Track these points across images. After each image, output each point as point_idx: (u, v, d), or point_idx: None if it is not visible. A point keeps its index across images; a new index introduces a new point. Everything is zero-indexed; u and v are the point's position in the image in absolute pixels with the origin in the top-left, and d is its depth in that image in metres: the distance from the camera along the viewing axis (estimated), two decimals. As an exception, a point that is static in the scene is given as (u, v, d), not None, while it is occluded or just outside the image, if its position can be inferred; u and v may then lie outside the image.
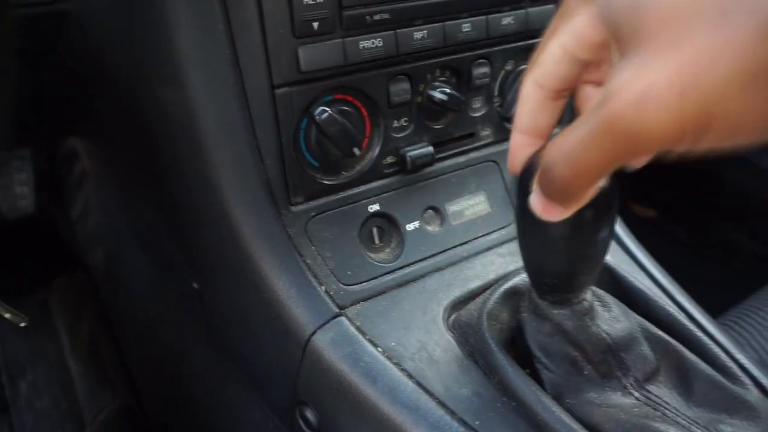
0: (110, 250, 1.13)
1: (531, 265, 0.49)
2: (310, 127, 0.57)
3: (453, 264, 0.64)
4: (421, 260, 0.63)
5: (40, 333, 1.25)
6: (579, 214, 0.42)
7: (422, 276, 0.63)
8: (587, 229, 0.43)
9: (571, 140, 0.33)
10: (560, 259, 0.45)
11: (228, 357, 0.75)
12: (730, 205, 1.48)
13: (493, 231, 0.68)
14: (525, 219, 0.46)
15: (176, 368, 0.91)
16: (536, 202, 0.39)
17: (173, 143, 0.57)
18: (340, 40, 0.54)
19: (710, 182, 1.50)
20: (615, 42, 0.32)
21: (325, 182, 0.60)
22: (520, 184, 0.44)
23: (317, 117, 0.55)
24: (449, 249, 0.65)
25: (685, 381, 0.52)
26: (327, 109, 0.56)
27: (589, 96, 0.40)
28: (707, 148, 0.30)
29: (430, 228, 0.65)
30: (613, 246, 0.71)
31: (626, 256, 0.70)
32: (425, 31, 0.58)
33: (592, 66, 0.39)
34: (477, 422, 0.50)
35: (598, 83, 0.40)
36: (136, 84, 0.56)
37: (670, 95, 0.27)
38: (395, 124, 0.62)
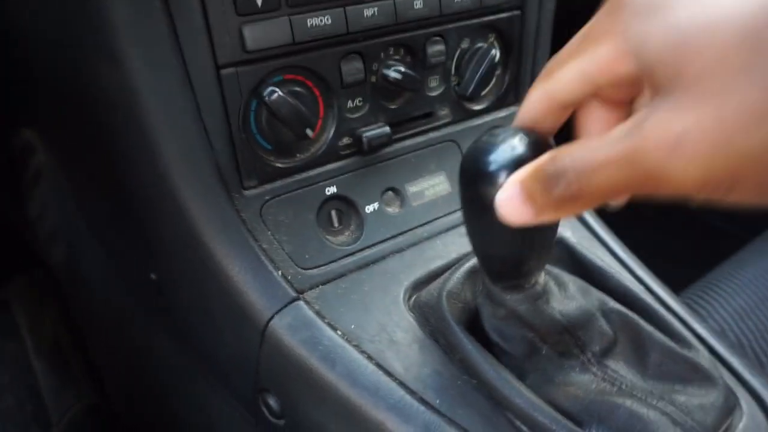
0: (70, 247, 1.10)
1: (479, 253, 0.49)
2: (260, 109, 0.56)
3: (414, 245, 0.64)
4: (381, 242, 0.63)
5: (2, 334, 1.21)
6: None
7: (382, 258, 0.62)
8: None
9: (589, 156, 0.32)
10: (507, 247, 0.45)
11: (191, 348, 0.73)
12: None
13: (454, 211, 0.67)
14: (470, 207, 0.46)
15: (141, 363, 0.89)
16: (509, 200, 0.38)
17: (117, 129, 0.55)
18: (286, 17, 0.52)
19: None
20: (648, 80, 0.30)
21: (279, 165, 0.59)
22: (477, 173, 0.43)
23: (267, 98, 0.54)
24: (410, 230, 0.65)
25: (641, 353, 0.52)
26: (277, 89, 0.54)
27: (595, 112, 0.39)
28: (728, 202, 0.29)
29: (389, 209, 0.65)
30: (574, 223, 0.71)
31: (587, 233, 0.71)
32: (375, 8, 0.57)
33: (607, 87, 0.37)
34: (437, 401, 0.50)
35: (607, 101, 0.38)
36: (75, 65, 0.53)
37: (703, 147, 0.26)
38: (350, 104, 0.61)
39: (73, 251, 1.10)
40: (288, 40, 0.53)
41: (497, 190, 0.42)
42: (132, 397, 0.98)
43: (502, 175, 0.42)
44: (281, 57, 0.54)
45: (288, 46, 0.54)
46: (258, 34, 0.52)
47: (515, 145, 0.42)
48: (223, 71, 0.51)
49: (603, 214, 0.76)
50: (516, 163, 0.42)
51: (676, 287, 0.70)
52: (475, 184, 0.44)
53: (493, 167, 0.42)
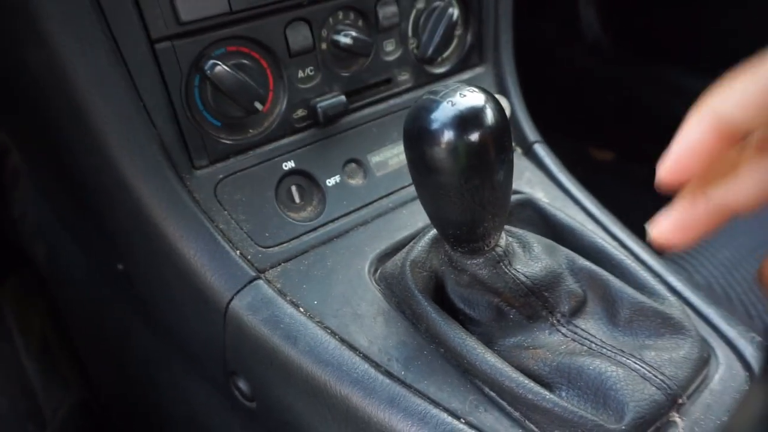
0: (50, 245, 1.09)
1: (433, 218, 0.47)
2: (204, 84, 0.53)
3: (379, 216, 0.62)
4: (344, 215, 0.61)
5: (-6, 336, 1.21)
6: (467, 160, 0.40)
7: (346, 231, 0.60)
8: (478, 175, 0.41)
9: None
10: (457, 210, 0.43)
11: (164, 336, 0.72)
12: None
13: (420, 179, 0.65)
14: (417, 169, 0.44)
15: (123, 355, 0.88)
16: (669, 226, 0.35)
17: (57, 116, 0.53)
18: (220, -16, 0.50)
19: (664, 118, 1.49)
20: None
21: (231, 142, 0.57)
22: (420, 132, 0.41)
23: (208, 72, 0.52)
24: (374, 201, 0.63)
25: (611, 310, 0.51)
26: (218, 62, 0.52)
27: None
28: None
29: (352, 182, 0.63)
30: (547, 183, 0.69)
31: (561, 192, 0.69)
32: (317, -30, 0.55)
33: None
34: (403, 372, 0.49)
35: None
36: (8, 53, 0.51)
37: None
38: (300, 74, 0.58)
39: (53, 249, 1.10)
40: (225, 9, 0.51)
41: (440, 149, 0.40)
42: (117, 389, 0.98)
43: (444, 133, 0.40)
44: (221, 28, 0.52)
45: (226, 15, 0.51)
46: (192, 4, 0.49)
47: (456, 101, 0.40)
48: (158, 45, 0.49)
49: (597, 180, 0.74)
50: (456, 120, 0.40)
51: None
52: (418, 145, 0.42)
53: (434, 125, 0.40)
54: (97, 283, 0.90)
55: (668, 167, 0.33)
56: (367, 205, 0.62)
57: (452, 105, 0.40)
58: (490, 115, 0.40)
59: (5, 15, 0.47)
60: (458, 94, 0.41)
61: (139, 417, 0.93)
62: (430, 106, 0.41)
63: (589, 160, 1.61)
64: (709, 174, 0.34)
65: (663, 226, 0.36)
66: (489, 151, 0.41)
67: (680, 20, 1.44)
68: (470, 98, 0.41)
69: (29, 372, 1.14)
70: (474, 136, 0.40)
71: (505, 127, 0.42)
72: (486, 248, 0.48)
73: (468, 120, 0.40)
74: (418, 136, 0.41)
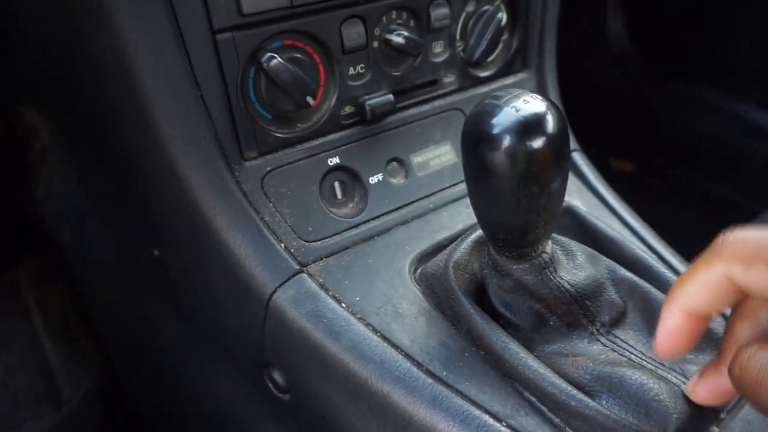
0: (76, 227, 1.10)
1: (484, 221, 0.48)
2: (259, 77, 0.54)
3: (419, 216, 0.62)
4: (385, 214, 0.61)
5: (13, 314, 1.22)
6: (527, 167, 0.40)
7: (387, 230, 0.61)
8: (536, 181, 0.41)
9: None
10: (511, 214, 0.44)
11: (196, 324, 0.73)
12: (707, 156, 1.48)
13: (460, 181, 0.66)
14: (473, 172, 0.44)
15: (147, 341, 0.89)
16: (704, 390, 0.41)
17: (113, 99, 0.53)
18: (283, -22, 0.51)
19: (687, 133, 1.49)
20: None
21: (280, 135, 0.57)
22: (480, 136, 0.41)
23: (265, 64, 0.52)
24: (415, 201, 0.63)
25: (652, 322, 0.51)
26: (275, 55, 0.52)
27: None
28: None
29: (394, 180, 0.63)
30: (584, 192, 0.69)
31: (598, 201, 0.69)
32: (376, -31, 0.55)
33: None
34: (444, 373, 0.49)
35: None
36: (67, 34, 0.52)
37: None
38: (351, 71, 0.59)
39: (80, 231, 1.10)
40: (285, 3, 0.51)
41: (501, 154, 0.41)
42: (139, 375, 0.98)
43: (506, 138, 0.40)
44: (279, 21, 0.53)
45: (286, 9, 0.52)
46: (254, -3, 0.50)
47: (519, 106, 0.41)
48: (219, 36, 0.50)
49: (616, 186, 0.74)
50: (520, 126, 0.40)
51: (689, 259, 0.68)
52: (478, 148, 0.42)
53: (496, 130, 0.40)
54: (124, 268, 0.91)
55: (660, 349, 0.40)
56: (408, 204, 0.63)
57: (516, 111, 0.40)
58: (552, 123, 0.41)
59: (72, -2, 0.47)
60: (521, 100, 0.41)
61: (159, 403, 0.94)
62: (492, 111, 0.41)
63: (609, 170, 1.61)
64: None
65: (699, 394, 0.43)
66: (549, 158, 0.41)
67: (708, 37, 1.44)
68: (533, 105, 0.41)
69: (48, 352, 1.15)
70: (536, 143, 0.40)
71: (565, 135, 0.42)
72: (533, 254, 0.48)
73: (531, 126, 0.40)
74: (479, 140, 0.42)
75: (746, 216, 1.01)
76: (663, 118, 1.55)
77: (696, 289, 0.36)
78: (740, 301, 0.37)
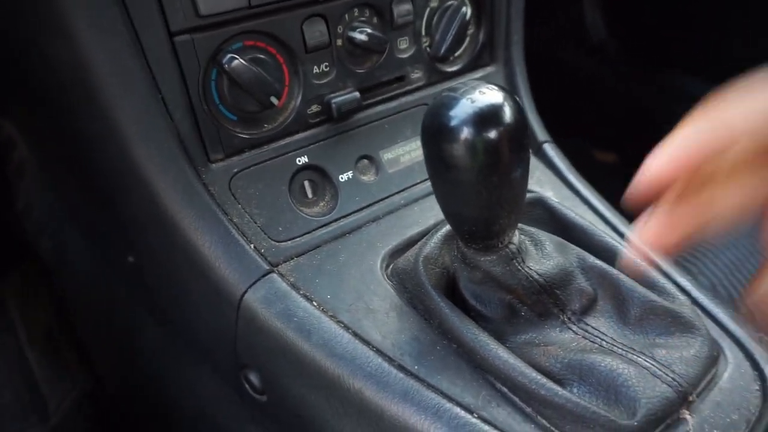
0: (56, 237, 1.09)
1: (449, 214, 0.48)
2: (221, 78, 0.54)
3: (390, 212, 0.62)
4: (356, 211, 0.61)
5: (-2, 329, 1.21)
6: (485, 158, 0.40)
7: (358, 227, 0.61)
8: (496, 172, 0.42)
9: None
10: (474, 206, 0.44)
11: (174, 329, 0.73)
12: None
13: (432, 176, 0.66)
14: (434, 166, 0.44)
15: (130, 347, 0.88)
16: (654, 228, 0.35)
17: (76, 107, 0.53)
18: (240, -21, 0.50)
19: (668, 123, 1.50)
20: None
21: (246, 136, 0.57)
22: (439, 128, 0.41)
23: (226, 65, 0.52)
24: (386, 198, 0.63)
25: (622, 308, 0.51)
26: (236, 56, 0.52)
27: None
28: None
29: (364, 178, 0.63)
30: (556, 183, 0.70)
31: (570, 192, 0.69)
32: (335, -33, 0.55)
33: None
34: (416, 367, 0.49)
35: None
36: (29, 45, 0.52)
37: None
38: (315, 69, 0.59)
39: (60, 241, 1.10)
40: (243, 3, 0.51)
41: (459, 145, 0.41)
42: (124, 382, 0.98)
43: (463, 130, 0.40)
44: (239, 22, 0.52)
45: (244, 9, 0.52)
46: (211, -2, 0.50)
47: (475, 98, 0.41)
48: (177, 38, 0.50)
49: (599, 176, 0.75)
50: (476, 117, 0.40)
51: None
52: (437, 141, 0.42)
53: (453, 122, 0.41)
54: (103, 276, 0.91)
55: (658, 162, 0.33)
56: (378, 201, 0.63)
57: (472, 102, 0.40)
58: (509, 113, 0.41)
59: (27, 5, 0.47)
60: (477, 91, 0.41)
61: (145, 409, 0.94)
62: (449, 103, 0.41)
63: (591, 161, 1.62)
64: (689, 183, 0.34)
65: (648, 229, 0.36)
66: (507, 148, 0.41)
67: (686, 25, 1.45)
68: (489, 96, 0.41)
69: (33, 364, 1.14)
70: (493, 134, 0.40)
71: (523, 125, 0.42)
72: (500, 245, 0.48)
73: (487, 117, 0.40)
74: (437, 133, 0.42)
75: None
76: (643, 107, 1.56)
77: (746, 105, 0.31)
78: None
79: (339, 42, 0.59)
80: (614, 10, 1.59)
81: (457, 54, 0.69)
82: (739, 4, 1.32)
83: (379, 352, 0.50)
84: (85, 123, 0.55)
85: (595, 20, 1.62)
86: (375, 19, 0.61)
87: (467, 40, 0.70)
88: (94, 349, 1.06)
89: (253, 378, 0.58)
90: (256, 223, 0.56)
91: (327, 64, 0.59)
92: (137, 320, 0.85)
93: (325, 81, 0.60)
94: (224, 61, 0.52)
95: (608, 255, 0.57)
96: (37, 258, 1.26)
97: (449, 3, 0.66)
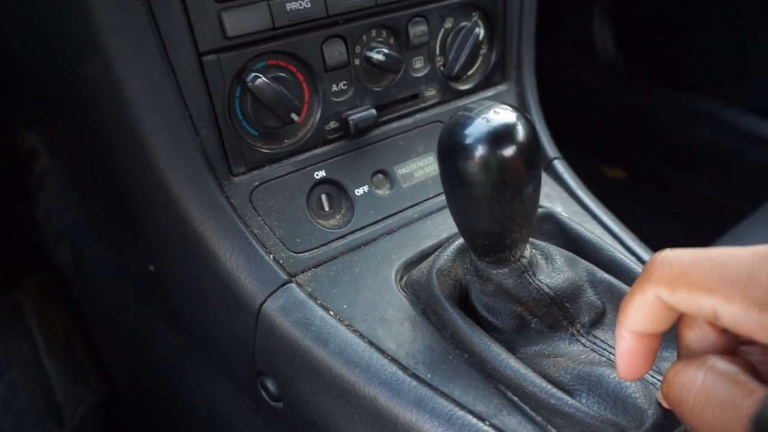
0: (75, 247, 1.12)
1: (463, 228, 0.50)
2: (244, 95, 0.56)
3: (404, 226, 0.64)
4: (371, 224, 0.63)
5: (14, 334, 1.23)
6: (498, 174, 0.42)
7: (373, 240, 0.62)
8: (509, 188, 0.44)
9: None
10: (487, 221, 0.46)
11: (191, 337, 0.74)
12: (696, 160, 1.50)
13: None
14: (449, 182, 0.46)
15: (145, 354, 0.90)
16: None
17: (105, 121, 0.55)
18: (265, 2, 0.53)
19: (676, 138, 1.51)
20: None
21: (267, 151, 0.59)
22: (454, 146, 0.43)
23: (250, 84, 0.54)
24: (400, 211, 0.65)
25: (630, 320, 0.52)
26: (260, 75, 0.55)
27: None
28: None
29: (379, 192, 0.65)
30: (565, 198, 0.71)
31: (579, 207, 0.71)
32: (355, -10, 0.57)
33: None
34: (429, 375, 0.50)
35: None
36: (62, 61, 0.54)
37: None
38: (334, 88, 0.61)
39: (79, 250, 1.12)
40: (268, 25, 0.54)
41: (474, 163, 0.43)
42: (138, 389, 1.00)
43: (478, 148, 0.42)
44: (263, 42, 0.55)
45: (268, 31, 0.54)
46: (237, 20, 0.52)
47: (490, 117, 0.43)
48: (205, 58, 0.52)
49: (608, 192, 0.76)
50: (490, 136, 0.42)
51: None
52: (453, 158, 0.44)
53: (469, 140, 0.43)
54: (121, 284, 0.93)
55: (620, 372, 0.41)
56: (393, 214, 0.65)
57: (486, 121, 0.43)
58: (521, 132, 0.43)
59: (64, 24, 0.50)
60: (492, 111, 0.43)
61: (159, 416, 0.95)
62: (464, 122, 0.43)
63: (601, 177, 1.64)
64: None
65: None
66: (520, 165, 0.43)
67: (695, 43, 1.47)
68: (503, 115, 0.43)
69: (49, 371, 1.16)
70: (506, 152, 0.42)
71: (535, 144, 0.44)
72: (512, 259, 0.50)
73: (501, 136, 0.42)
74: (453, 150, 0.44)
75: (736, 217, 1.03)
76: (652, 123, 1.58)
77: (636, 312, 0.37)
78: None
79: (357, 61, 0.62)
80: (624, 29, 1.62)
81: (470, 73, 0.72)
82: (747, 22, 1.34)
83: (394, 360, 0.51)
84: (114, 136, 0.58)
85: (605, 39, 1.64)
86: (392, 40, 0.63)
87: (480, 59, 0.72)
88: (109, 356, 1.08)
89: (270, 385, 0.60)
90: (275, 234, 0.58)
91: (345, 82, 0.62)
92: (153, 328, 0.87)
93: (343, 99, 0.62)
94: (248, 79, 0.54)
95: (617, 269, 0.58)
96: (54, 266, 1.29)
97: (463, 24, 0.68)
